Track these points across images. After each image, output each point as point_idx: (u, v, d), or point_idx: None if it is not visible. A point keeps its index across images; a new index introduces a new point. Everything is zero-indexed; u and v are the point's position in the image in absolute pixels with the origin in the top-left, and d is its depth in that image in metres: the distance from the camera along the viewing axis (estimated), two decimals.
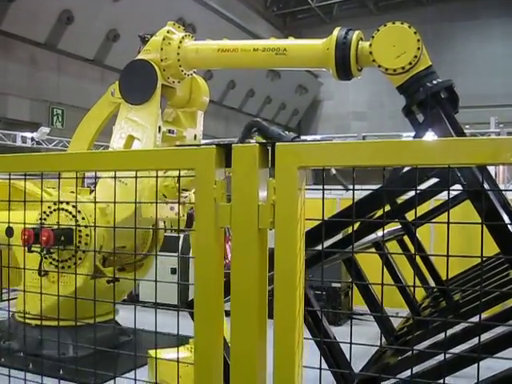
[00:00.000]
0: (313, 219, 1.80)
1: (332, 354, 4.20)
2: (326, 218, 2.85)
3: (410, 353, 5.22)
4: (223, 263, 1.80)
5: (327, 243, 3.96)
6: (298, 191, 1.70)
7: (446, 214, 6.03)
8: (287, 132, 5.59)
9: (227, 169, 1.77)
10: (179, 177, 2.09)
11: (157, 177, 2.11)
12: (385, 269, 6.36)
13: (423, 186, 4.48)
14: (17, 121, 19.34)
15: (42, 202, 5.86)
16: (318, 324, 4.18)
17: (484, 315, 4.79)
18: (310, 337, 3.66)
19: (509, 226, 3.92)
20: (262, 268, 1.75)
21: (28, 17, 18.16)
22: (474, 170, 3.96)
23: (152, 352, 4.03)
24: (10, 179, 2.40)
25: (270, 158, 1.77)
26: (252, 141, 5.61)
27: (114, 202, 5.39)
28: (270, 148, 1.76)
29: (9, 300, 5.78)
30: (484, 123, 19.74)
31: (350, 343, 1.85)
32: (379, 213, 5.96)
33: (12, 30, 18.37)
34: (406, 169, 3.98)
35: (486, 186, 4.63)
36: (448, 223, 1.71)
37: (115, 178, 2.12)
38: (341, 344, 4.20)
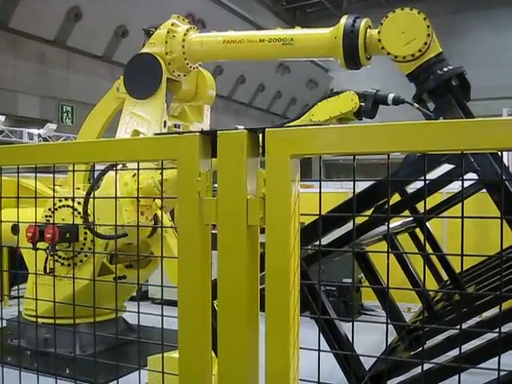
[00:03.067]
0: (309, 214, 1.61)
1: (343, 351, 4.09)
2: (324, 213, 2.71)
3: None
4: (210, 264, 1.62)
5: (332, 235, 3.83)
6: (292, 183, 1.50)
7: (460, 205, 5.88)
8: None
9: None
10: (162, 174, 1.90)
11: (139, 169, 1.93)
12: (396, 262, 6.29)
13: (435, 173, 4.31)
14: (27, 118, 19.37)
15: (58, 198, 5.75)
16: (328, 322, 4.07)
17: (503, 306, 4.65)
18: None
19: None
20: (251, 269, 1.57)
21: (36, 14, 18.18)
22: (490, 159, 3.82)
23: (152, 357, 3.87)
24: (18, 175, 2.21)
25: (260, 146, 1.57)
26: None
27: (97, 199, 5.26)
28: (260, 134, 1.55)
29: (18, 297, 5.70)
30: (496, 115, 19.51)
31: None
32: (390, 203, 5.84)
33: (21, 27, 18.40)
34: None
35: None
36: (462, 217, 1.54)
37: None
38: (352, 340, 4.07)
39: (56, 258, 6.50)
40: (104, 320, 6.41)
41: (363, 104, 5.34)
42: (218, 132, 1.58)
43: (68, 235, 6.22)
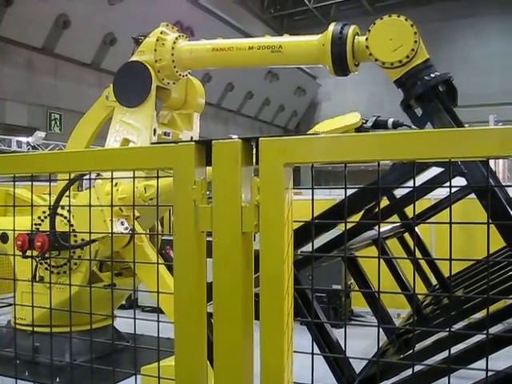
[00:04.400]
0: (302, 221, 1.65)
1: (334, 357, 4.13)
2: (314, 220, 2.75)
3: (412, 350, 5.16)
4: (205, 270, 1.66)
5: (318, 241, 3.87)
6: (285, 191, 1.55)
7: (447, 209, 5.95)
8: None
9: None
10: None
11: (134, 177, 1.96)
12: (385, 267, 6.33)
13: (423, 176, 4.37)
14: (15, 126, 19.30)
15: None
16: (320, 328, 4.11)
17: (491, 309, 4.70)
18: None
19: None
20: (246, 275, 1.61)
21: (24, 21, 18.15)
22: (479, 165, 3.88)
23: (146, 367, 3.88)
24: (14, 184, 2.20)
25: (254, 155, 1.61)
26: None
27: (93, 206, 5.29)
28: (254, 144, 1.60)
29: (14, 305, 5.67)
30: (483, 122, 19.71)
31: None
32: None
33: (8, 34, 18.35)
34: None
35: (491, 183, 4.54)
36: (450, 223, 1.58)
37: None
38: (343, 346, 4.13)
39: (45, 266, 6.50)
40: (94, 328, 6.39)
41: (365, 124, 5.55)
42: (213, 141, 1.62)
43: (57, 243, 6.21)
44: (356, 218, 5.18)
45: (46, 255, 6.19)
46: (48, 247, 6.07)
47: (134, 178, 1.75)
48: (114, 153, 1.80)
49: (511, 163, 17.86)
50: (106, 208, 5.62)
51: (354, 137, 1.51)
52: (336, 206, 4.01)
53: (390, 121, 5.49)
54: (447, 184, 4.38)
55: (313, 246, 1.72)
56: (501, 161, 17.11)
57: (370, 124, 5.55)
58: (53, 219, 6.08)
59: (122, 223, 6.01)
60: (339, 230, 5.55)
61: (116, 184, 5.81)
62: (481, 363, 3.18)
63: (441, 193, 7.54)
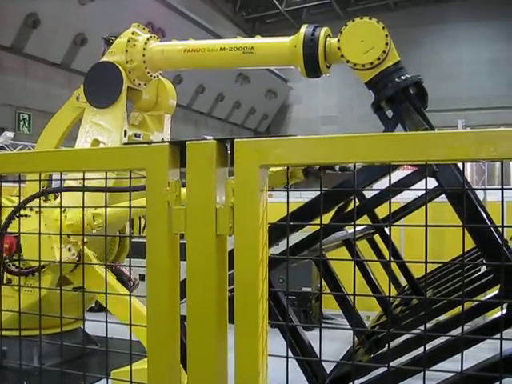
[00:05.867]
0: (277, 223, 1.64)
1: (305, 357, 4.16)
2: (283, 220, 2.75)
3: (382, 350, 5.22)
4: (178, 273, 1.63)
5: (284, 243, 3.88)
6: (260, 192, 1.53)
7: (418, 211, 5.95)
8: None
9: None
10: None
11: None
12: (356, 268, 6.37)
13: (392, 176, 4.37)
14: None
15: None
16: (293, 331, 4.13)
17: (457, 310, 4.78)
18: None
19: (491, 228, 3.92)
20: (220, 278, 1.59)
21: None
22: (451, 166, 3.93)
23: (116, 371, 3.84)
24: None
25: (229, 156, 1.58)
26: None
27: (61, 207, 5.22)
28: (228, 144, 1.58)
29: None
30: (451, 126, 19.99)
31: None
32: (350, 207, 5.93)
33: None
34: None
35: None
36: (426, 226, 1.59)
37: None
38: (314, 347, 4.16)
39: (13, 268, 6.39)
40: (62, 331, 6.30)
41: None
42: (188, 142, 1.59)
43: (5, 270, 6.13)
44: (324, 218, 5.19)
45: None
46: (16, 249, 5.97)
47: (104, 183, 1.72)
48: (86, 153, 1.77)
49: (479, 166, 18.12)
50: (53, 234, 5.55)
51: (329, 139, 1.50)
52: (304, 208, 4.00)
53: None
54: (421, 185, 4.42)
55: (288, 248, 1.72)
56: (468, 164, 17.34)
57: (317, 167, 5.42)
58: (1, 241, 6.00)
59: (70, 249, 5.97)
60: (306, 232, 5.57)
61: (64, 210, 5.73)
62: (445, 363, 3.24)
63: (409, 195, 7.60)
